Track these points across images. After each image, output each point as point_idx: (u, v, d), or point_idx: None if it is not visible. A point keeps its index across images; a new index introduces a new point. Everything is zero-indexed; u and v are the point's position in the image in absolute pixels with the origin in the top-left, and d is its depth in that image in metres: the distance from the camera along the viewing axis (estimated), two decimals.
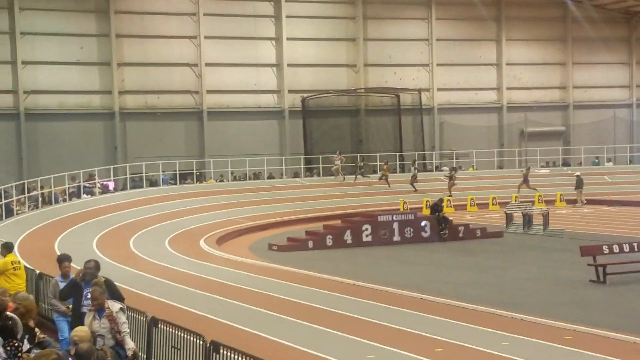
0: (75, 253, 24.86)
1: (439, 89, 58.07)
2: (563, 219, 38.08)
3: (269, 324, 15.61)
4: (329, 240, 31.29)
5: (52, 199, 37.18)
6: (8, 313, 9.45)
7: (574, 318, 16.22)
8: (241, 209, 39.03)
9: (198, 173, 47.71)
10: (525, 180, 45.07)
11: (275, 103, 54.02)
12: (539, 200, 43.11)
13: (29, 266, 19.07)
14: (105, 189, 41.66)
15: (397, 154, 53.92)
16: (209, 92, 51.73)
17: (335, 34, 55.47)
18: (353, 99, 56.82)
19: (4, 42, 47.06)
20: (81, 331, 9.67)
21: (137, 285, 19.86)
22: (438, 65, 57.82)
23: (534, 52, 60.99)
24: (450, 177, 45.37)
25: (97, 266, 12.41)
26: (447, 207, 39.89)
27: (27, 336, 9.83)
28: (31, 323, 9.81)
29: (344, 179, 46.67)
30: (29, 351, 9.39)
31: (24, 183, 37.26)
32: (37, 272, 16.85)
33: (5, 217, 32.48)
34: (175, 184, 44.22)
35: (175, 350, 10.95)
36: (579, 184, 44.92)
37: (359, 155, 50.16)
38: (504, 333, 14.56)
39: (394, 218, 32.59)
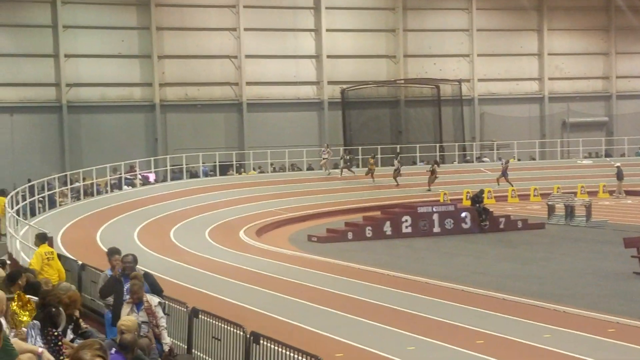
0: (117, 244, 25.06)
1: (479, 80, 57.62)
2: (606, 211, 37.59)
3: (308, 315, 15.61)
4: (368, 232, 31.25)
5: (94, 190, 37.54)
6: (53, 303, 9.52)
7: (618, 310, 16.02)
8: (280, 200, 39.08)
9: (238, 164, 47.85)
10: (504, 174, 43.68)
11: (315, 94, 54.00)
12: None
13: (71, 257, 19.31)
14: (146, 181, 41.94)
15: (437, 145, 53.62)
16: (248, 83, 51.85)
17: (375, 25, 55.26)
18: (392, 90, 56.59)
19: (46, 36, 47.61)
20: (128, 321, 9.76)
21: (178, 276, 19.98)
22: (479, 55, 57.35)
23: (576, 42, 60.23)
24: (432, 171, 43.39)
25: (135, 260, 12.41)
26: (487, 198, 39.59)
27: (71, 326, 9.91)
28: (76, 313, 9.89)
29: (329, 173, 45.01)
30: (72, 341, 9.47)
31: (66, 175, 37.64)
32: (80, 263, 17.01)
33: (49, 209, 32.88)
34: (215, 175, 44.38)
35: (216, 340, 10.99)
36: (620, 175, 44.30)
37: (341, 148, 47.98)
38: (546, 325, 14.41)
39: (434, 209, 32.45)
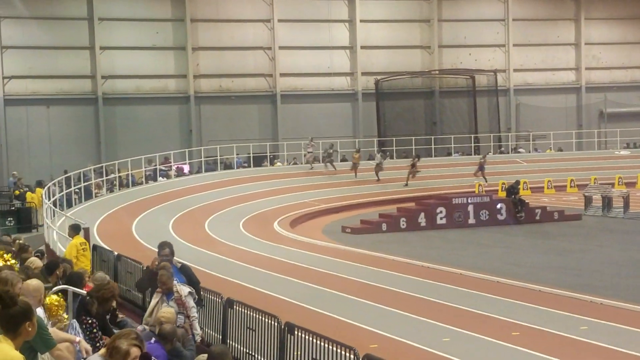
0: (152, 235, 25.32)
1: (515, 70, 57.15)
2: None
3: (342, 306, 15.58)
4: (402, 223, 31.15)
5: (129, 181, 37.83)
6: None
7: None
8: (314, 191, 39.09)
9: (271, 156, 47.92)
10: (480, 168, 42.14)
11: (349, 85, 53.91)
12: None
13: (107, 248, 19.47)
14: (180, 172, 42.18)
15: (472, 136, 53.29)
16: (282, 75, 51.89)
17: (409, 15, 55.01)
18: (427, 80, 56.31)
19: (82, 28, 48.02)
20: (168, 312, 9.83)
21: (212, 267, 20.06)
22: (514, 45, 56.87)
23: (613, 31, 59.46)
24: (413, 165, 41.23)
25: (172, 252, 12.40)
26: (523, 189, 39.24)
27: (108, 316, 10.00)
28: (113, 304, 9.98)
29: (311, 167, 43.34)
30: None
31: (102, 166, 37.98)
32: (116, 253, 17.13)
33: (85, 200, 33.19)
34: (249, 166, 44.48)
35: (250, 331, 11.00)
36: None
37: (320, 142, 45.56)
38: (583, 317, 14.26)
39: (469, 200, 32.27)
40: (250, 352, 10.99)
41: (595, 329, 13.48)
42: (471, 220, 31.74)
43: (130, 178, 38.16)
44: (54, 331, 7.49)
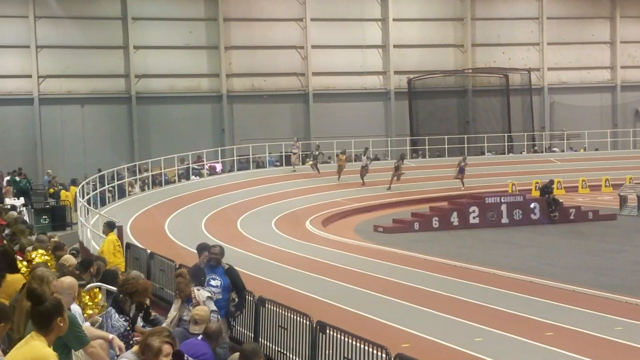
0: (185, 233, 25.47)
1: (549, 69, 56.69)
2: None
3: (374, 305, 15.55)
4: (435, 222, 31.03)
5: (162, 180, 38.07)
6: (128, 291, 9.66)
7: None
8: (346, 190, 39.05)
9: (304, 155, 47.92)
10: (461, 171, 40.50)
11: (381, 84, 53.79)
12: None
13: (140, 246, 19.60)
14: (212, 171, 42.36)
15: (505, 135, 52.95)
16: (314, 74, 51.90)
17: (442, 14, 54.78)
18: (460, 79, 56.03)
19: (116, 28, 48.41)
20: (202, 310, 9.86)
21: (245, 265, 20.05)
22: (549, 44, 56.41)
23: None
24: (397, 168, 39.98)
25: (222, 252, 12.28)
26: (557, 188, 38.91)
27: (141, 314, 10.06)
28: (147, 301, 10.03)
29: (294, 169, 42.21)
30: (142, 327, 9.63)
31: (135, 165, 38.24)
32: (149, 251, 17.23)
33: (118, 198, 33.45)
34: (281, 165, 44.53)
35: (282, 329, 11.01)
36: None
37: (309, 142, 45.65)
38: (618, 318, 14.11)
39: (502, 200, 32.05)
40: (282, 351, 11.00)
41: (630, 329, 13.33)
42: (504, 220, 31.53)
43: (163, 177, 38.40)
44: (87, 328, 7.55)
